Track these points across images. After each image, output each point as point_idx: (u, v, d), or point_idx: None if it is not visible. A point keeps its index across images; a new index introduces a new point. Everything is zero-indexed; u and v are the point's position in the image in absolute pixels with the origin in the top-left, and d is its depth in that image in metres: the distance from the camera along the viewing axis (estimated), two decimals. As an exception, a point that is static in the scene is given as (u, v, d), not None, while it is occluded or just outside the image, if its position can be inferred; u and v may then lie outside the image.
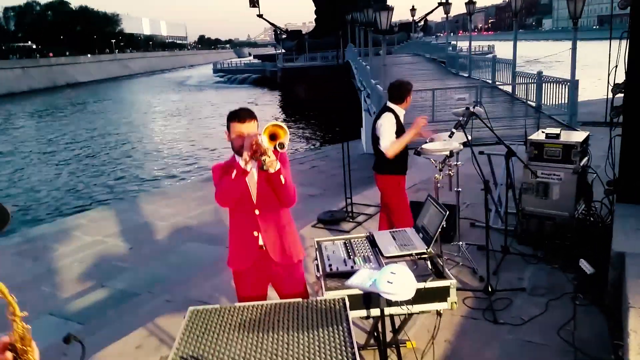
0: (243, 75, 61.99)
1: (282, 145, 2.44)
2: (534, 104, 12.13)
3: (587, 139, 4.88)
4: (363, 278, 2.49)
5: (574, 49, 10.27)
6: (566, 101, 10.71)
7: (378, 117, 4.25)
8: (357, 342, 2.21)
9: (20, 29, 78.79)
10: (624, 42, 4.40)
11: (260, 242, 2.84)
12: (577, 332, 3.51)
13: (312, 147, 21.58)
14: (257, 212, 2.80)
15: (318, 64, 43.17)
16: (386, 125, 4.10)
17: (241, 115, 2.67)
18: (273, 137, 2.44)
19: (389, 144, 4.09)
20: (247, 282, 2.96)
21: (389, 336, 2.98)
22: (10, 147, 27.10)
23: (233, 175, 2.57)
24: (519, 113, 11.57)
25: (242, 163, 2.54)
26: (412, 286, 2.35)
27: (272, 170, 2.54)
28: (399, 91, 4.27)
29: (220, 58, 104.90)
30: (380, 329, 2.64)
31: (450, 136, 4.05)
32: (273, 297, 3.06)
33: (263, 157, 2.47)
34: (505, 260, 4.64)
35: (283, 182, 2.60)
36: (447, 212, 2.85)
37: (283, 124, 2.44)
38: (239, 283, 3.00)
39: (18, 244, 10.10)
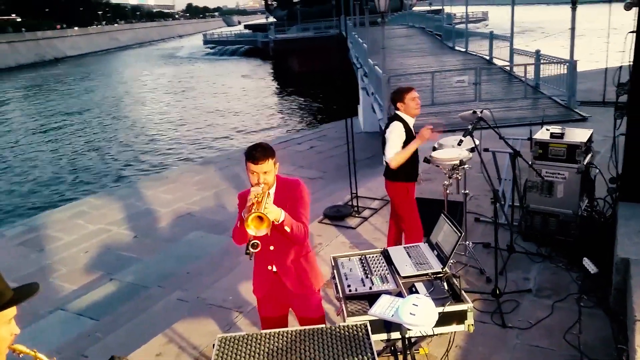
0: (234, 46, 61.13)
1: (255, 245, 2.50)
2: (532, 82, 12.12)
3: (590, 137, 4.95)
4: (384, 307, 2.59)
5: (572, 28, 10.23)
6: (565, 77, 10.73)
7: (387, 126, 4.29)
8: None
9: (3, 2, 76.81)
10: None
11: (275, 271, 2.95)
12: (583, 336, 3.66)
13: (310, 125, 21.50)
14: (272, 248, 2.89)
15: (311, 35, 42.56)
16: (393, 135, 4.14)
17: (255, 156, 2.71)
18: (261, 218, 2.48)
19: (393, 155, 4.14)
20: (268, 306, 3.10)
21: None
22: (2, 128, 26.83)
23: (238, 224, 2.66)
24: (517, 93, 11.58)
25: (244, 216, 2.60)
26: (434, 317, 2.45)
27: (276, 222, 2.61)
28: (393, 98, 4.37)
29: (210, 28, 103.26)
30: (399, 348, 2.76)
31: (459, 144, 4.11)
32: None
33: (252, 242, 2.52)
34: (511, 258, 4.77)
35: (288, 230, 2.66)
36: (463, 234, 2.93)
37: (268, 216, 2.48)
38: (260, 306, 3.14)
39: (22, 233, 10.17)
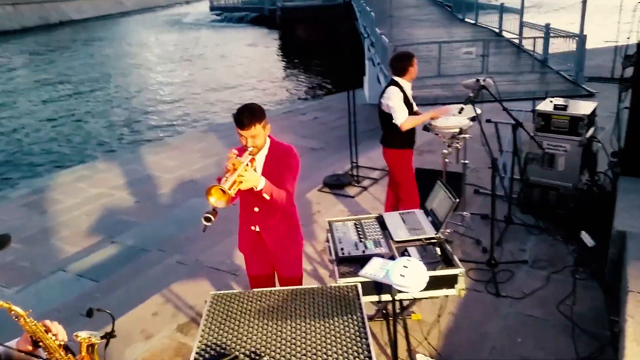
0: (241, 13, 60.20)
1: (208, 219, 2.48)
2: (540, 56, 11.94)
3: (594, 110, 4.88)
4: (376, 269, 2.60)
5: (584, 1, 10.00)
6: (574, 52, 10.58)
7: (384, 91, 4.24)
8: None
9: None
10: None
11: (258, 231, 3.01)
12: (576, 306, 3.69)
13: (314, 96, 21.34)
14: (256, 209, 2.94)
15: (319, 3, 41.79)
16: (395, 100, 4.09)
17: (242, 122, 2.72)
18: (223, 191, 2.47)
19: (405, 119, 4.09)
20: (253, 264, 3.20)
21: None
22: (7, 91, 26.75)
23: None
24: (525, 67, 11.41)
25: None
26: (424, 279, 2.46)
27: (255, 189, 2.66)
28: (401, 63, 4.24)
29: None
30: (391, 312, 2.78)
31: (460, 112, 4.06)
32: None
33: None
34: (508, 230, 4.77)
35: (267, 198, 2.70)
36: (458, 200, 2.92)
37: (227, 190, 2.45)
38: (247, 264, 3.25)
39: (25, 195, 10.25)
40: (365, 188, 6.19)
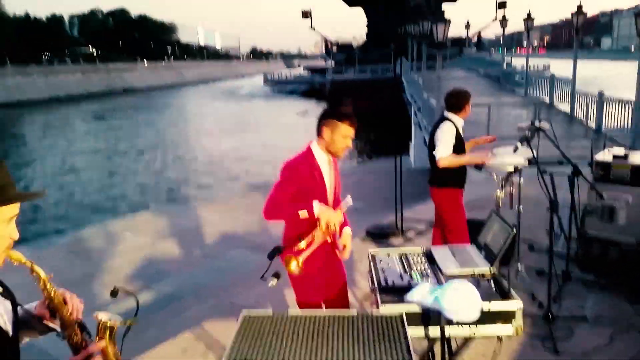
0: (292, 86, 62.81)
1: (277, 276, 2.58)
2: (593, 125, 11.64)
3: (659, 161, 4.58)
4: (424, 293, 2.38)
5: (640, 68, 9.81)
6: (629, 124, 10.25)
7: (436, 126, 4.11)
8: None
9: (83, 35, 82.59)
10: None
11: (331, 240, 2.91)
12: (647, 368, 3.26)
13: (359, 161, 21.48)
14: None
15: (368, 77, 43.11)
16: (446, 133, 3.97)
17: (356, 120, 2.67)
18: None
19: (446, 155, 3.95)
20: (325, 284, 2.98)
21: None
22: (68, 148, 28.30)
23: (301, 213, 2.63)
24: (578, 133, 11.12)
25: (316, 211, 2.64)
26: (477, 306, 2.22)
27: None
28: (457, 99, 4.14)
29: (271, 69, 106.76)
30: (439, 350, 2.51)
31: (514, 150, 3.87)
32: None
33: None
34: (566, 286, 4.40)
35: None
36: (515, 231, 2.70)
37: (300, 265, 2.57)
38: (317, 288, 2.95)
39: (71, 242, 10.47)
40: (409, 239, 5.94)
